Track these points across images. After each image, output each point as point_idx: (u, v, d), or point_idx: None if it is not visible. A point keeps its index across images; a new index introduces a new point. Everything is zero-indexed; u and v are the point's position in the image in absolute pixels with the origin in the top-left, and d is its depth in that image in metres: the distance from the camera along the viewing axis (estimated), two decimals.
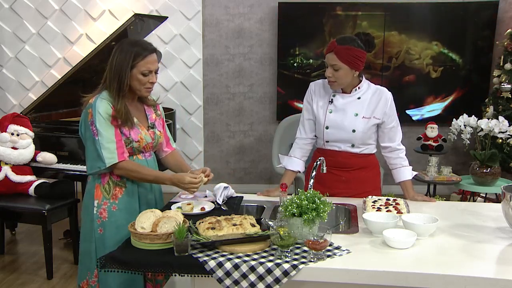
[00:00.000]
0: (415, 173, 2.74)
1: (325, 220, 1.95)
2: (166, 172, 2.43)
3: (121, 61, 2.26)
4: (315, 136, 2.73)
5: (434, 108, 5.67)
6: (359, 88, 2.61)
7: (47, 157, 3.89)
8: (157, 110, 2.53)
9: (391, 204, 2.32)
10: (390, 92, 2.64)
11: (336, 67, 2.49)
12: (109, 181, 2.34)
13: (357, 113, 2.58)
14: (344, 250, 1.89)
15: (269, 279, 1.74)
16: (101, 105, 2.26)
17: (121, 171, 2.30)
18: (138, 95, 2.38)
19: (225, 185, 2.58)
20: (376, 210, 2.24)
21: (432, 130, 4.82)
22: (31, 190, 3.76)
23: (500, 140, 4.71)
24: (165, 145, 2.59)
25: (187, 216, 2.15)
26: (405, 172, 2.67)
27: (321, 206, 1.93)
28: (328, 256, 1.83)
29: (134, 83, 2.30)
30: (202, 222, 1.98)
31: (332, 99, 2.62)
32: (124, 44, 2.30)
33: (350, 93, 2.61)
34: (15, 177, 3.75)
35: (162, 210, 2.11)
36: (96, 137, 2.25)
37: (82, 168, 3.85)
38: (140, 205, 2.40)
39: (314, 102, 2.67)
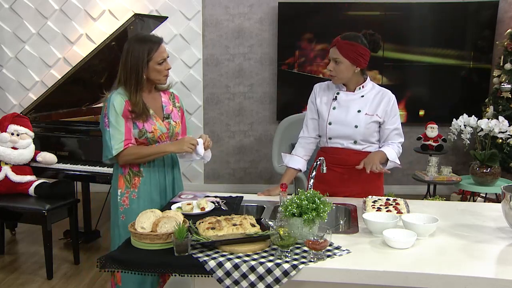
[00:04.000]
0: (396, 162, 2.60)
1: (325, 220, 1.94)
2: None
3: (136, 59, 2.44)
4: (318, 136, 2.74)
5: (434, 108, 5.67)
6: (363, 87, 2.63)
7: (47, 157, 3.89)
8: (176, 102, 2.69)
9: (391, 204, 2.32)
10: (394, 95, 2.66)
11: (337, 61, 2.54)
12: (129, 171, 2.54)
13: (360, 109, 2.59)
14: (344, 250, 1.89)
15: (269, 279, 1.74)
16: (116, 99, 2.46)
17: (124, 158, 2.47)
18: (157, 83, 2.57)
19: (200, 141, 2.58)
20: (376, 210, 2.24)
21: (432, 130, 4.82)
22: (31, 190, 3.77)
23: (500, 140, 4.71)
24: (181, 134, 2.73)
25: (187, 216, 2.15)
26: (387, 149, 2.61)
27: (321, 206, 1.93)
28: (328, 256, 1.83)
29: (154, 74, 2.49)
30: (202, 222, 1.98)
31: (336, 96, 2.65)
32: (134, 43, 2.47)
33: (354, 91, 2.63)
34: (15, 177, 3.75)
35: (162, 210, 2.11)
36: (107, 128, 2.45)
37: (82, 168, 3.85)
38: (159, 191, 2.60)
39: (318, 99, 2.69)
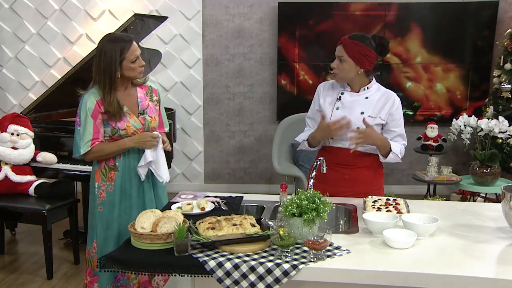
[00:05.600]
0: (397, 155, 2.58)
1: (325, 220, 1.94)
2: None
3: (109, 59, 2.50)
4: None
5: (434, 108, 5.67)
6: (367, 88, 2.62)
7: (47, 157, 3.89)
8: (153, 96, 2.75)
9: (391, 204, 2.32)
10: (399, 98, 2.65)
11: (341, 59, 2.53)
12: (105, 165, 2.66)
13: (363, 111, 2.58)
14: (344, 250, 1.89)
15: (269, 279, 1.74)
16: (88, 99, 2.56)
17: (90, 155, 2.60)
18: (133, 79, 2.64)
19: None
20: (376, 210, 2.24)
21: (432, 130, 4.82)
22: (31, 190, 3.77)
23: (500, 140, 4.71)
24: (158, 127, 2.78)
25: (187, 216, 2.15)
26: (393, 143, 2.59)
27: (321, 206, 1.93)
28: (328, 256, 1.83)
29: (128, 72, 2.56)
30: (202, 222, 1.98)
31: (340, 97, 2.64)
32: (105, 44, 2.53)
33: (358, 92, 2.62)
34: (15, 177, 3.75)
35: (162, 210, 2.11)
36: (78, 127, 2.58)
37: (82, 168, 3.85)
38: (137, 185, 2.68)
39: (322, 99, 2.69)
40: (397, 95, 2.68)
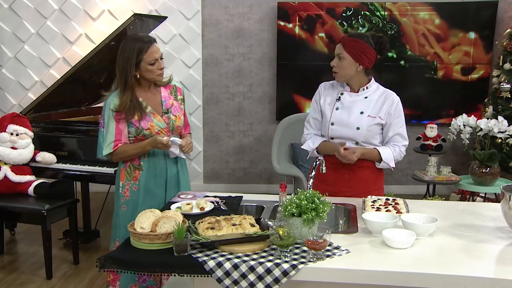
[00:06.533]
0: (389, 164, 2.59)
1: (325, 220, 1.94)
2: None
3: (126, 59, 2.51)
4: (322, 135, 2.73)
5: (433, 107, 5.67)
6: (367, 88, 2.62)
7: (47, 157, 3.89)
8: (178, 95, 2.77)
9: (391, 204, 2.32)
10: (398, 97, 2.64)
11: (340, 57, 2.55)
12: (130, 165, 2.67)
13: (362, 111, 2.58)
14: (343, 250, 1.89)
15: (268, 279, 1.74)
16: (111, 101, 2.57)
17: (116, 157, 2.62)
18: (152, 82, 2.64)
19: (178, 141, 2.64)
20: (376, 210, 2.24)
21: (432, 130, 4.82)
22: (31, 190, 3.77)
23: (500, 140, 4.71)
24: (184, 128, 2.82)
25: (186, 216, 2.15)
26: (384, 149, 2.60)
27: (321, 206, 1.93)
28: (328, 256, 1.83)
29: (146, 74, 2.57)
30: (202, 222, 1.98)
31: (340, 97, 2.64)
32: (126, 43, 2.55)
33: (358, 92, 2.63)
34: (15, 177, 3.75)
35: (161, 210, 2.11)
36: (102, 128, 2.60)
37: (82, 168, 3.85)
38: (161, 184, 2.69)
39: (322, 99, 2.69)
40: (397, 94, 2.68)
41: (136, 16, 3.99)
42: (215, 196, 2.55)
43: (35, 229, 4.16)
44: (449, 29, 5.49)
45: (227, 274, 1.76)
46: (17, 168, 3.79)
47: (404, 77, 5.63)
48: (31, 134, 3.90)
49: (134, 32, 4.09)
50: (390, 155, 2.60)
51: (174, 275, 1.82)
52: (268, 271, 1.74)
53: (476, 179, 4.43)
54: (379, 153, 2.59)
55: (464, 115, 4.59)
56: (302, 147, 2.80)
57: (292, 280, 1.75)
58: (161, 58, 2.62)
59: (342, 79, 2.63)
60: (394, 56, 5.56)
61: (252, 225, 1.96)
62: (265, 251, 1.87)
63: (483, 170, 4.38)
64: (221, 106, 5.83)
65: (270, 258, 1.80)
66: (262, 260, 1.78)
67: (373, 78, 2.66)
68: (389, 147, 2.63)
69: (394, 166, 2.62)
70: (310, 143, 2.72)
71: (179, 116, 2.72)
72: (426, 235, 2.03)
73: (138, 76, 2.55)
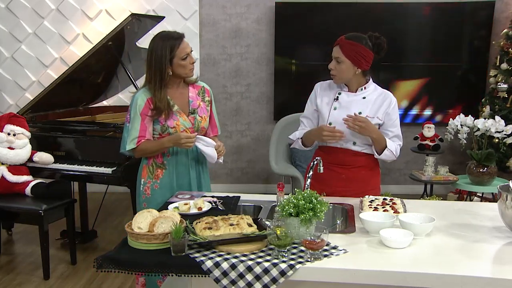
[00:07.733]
0: (393, 153, 2.59)
1: (322, 220, 1.95)
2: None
3: (159, 57, 2.54)
4: None
5: (431, 107, 5.68)
6: (365, 88, 2.63)
7: (44, 157, 3.88)
8: (205, 96, 2.79)
9: (388, 204, 2.32)
10: (395, 98, 2.65)
11: (338, 60, 2.54)
12: (153, 163, 2.69)
13: (360, 111, 2.58)
14: (341, 250, 1.89)
15: (266, 279, 1.74)
16: (139, 97, 2.60)
17: (138, 153, 2.65)
18: (184, 78, 2.67)
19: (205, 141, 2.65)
20: (373, 210, 2.24)
21: (429, 130, 4.83)
22: (28, 190, 3.76)
23: (497, 140, 4.72)
24: (211, 129, 2.84)
25: (184, 216, 2.14)
26: (389, 141, 2.60)
27: (318, 205, 1.93)
28: (325, 255, 1.83)
29: (179, 70, 2.59)
30: (199, 222, 1.98)
31: (337, 97, 2.64)
32: (156, 42, 2.57)
33: (355, 92, 2.63)
34: (12, 177, 3.75)
35: (159, 210, 2.11)
36: (127, 123, 2.63)
37: (79, 168, 3.84)
38: (182, 184, 2.71)
39: (319, 99, 2.69)
40: (394, 95, 2.69)
41: (134, 16, 3.99)
42: (212, 196, 2.54)
43: (32, 229, 4.15)
44: (446, 29, 5.50)
45: (225, 274, 1.76)
46: (14, 168, 3.78)
47: (401, 77, 5.63)
48: (28, 134, 3.89)
49: (132, 32, 4.10)
50: (393, 146, 2.62)
51: (172, 275, 1.82)
52: (266, 271, 1.74)
53: (473, 179, 4.44)
54: (385, 140, 2.59)
55: (462, 115, 4.59)
56: (289, 136, 2.83)
57: (290, 280, 1.75)
58: (191, 51, 2.64)
59: (340, 82, 2.62)
60: (391, 55, 5.56)
61: (250, 225, 1.96)
62: (262, 251, 1.87)
63: (481, 170, 4.39)
64: (219, 106, 5.83)
65: (268, 258, 1.80)
66: (259, 260, 1.78)
67: (371, 79, 2.66)
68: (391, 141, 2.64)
69: (395, 157, 2.63)
70: (297, 133, 2.76)
71: (205, 117, 2.74)
72: (423, 235, 2.03)
73: (171, 73, 2.58)
